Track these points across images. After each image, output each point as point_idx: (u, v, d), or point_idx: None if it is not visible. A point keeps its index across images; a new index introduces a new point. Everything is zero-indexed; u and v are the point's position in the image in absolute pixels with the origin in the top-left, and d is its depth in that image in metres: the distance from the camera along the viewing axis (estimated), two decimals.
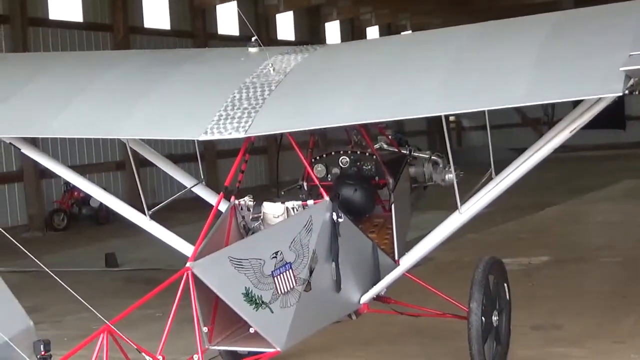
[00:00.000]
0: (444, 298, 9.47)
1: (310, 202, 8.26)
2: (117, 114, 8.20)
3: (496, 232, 19.28)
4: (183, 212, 18.68)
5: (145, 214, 9.07)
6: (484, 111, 8.36)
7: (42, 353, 5.87)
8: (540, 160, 8.15)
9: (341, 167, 9.50)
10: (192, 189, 9.52)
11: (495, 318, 9.04)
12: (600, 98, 7.42)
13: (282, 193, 9.39)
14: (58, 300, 14.48)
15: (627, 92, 7.14)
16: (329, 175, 9.52)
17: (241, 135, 7.47)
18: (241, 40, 32.15)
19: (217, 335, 7.86)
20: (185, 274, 7.30)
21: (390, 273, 8.81)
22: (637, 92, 7.11)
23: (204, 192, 9.52)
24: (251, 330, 7.66)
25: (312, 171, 8.80)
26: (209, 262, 7.40)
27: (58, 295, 15.06)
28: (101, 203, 24.18)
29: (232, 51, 9.42)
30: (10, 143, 9.14)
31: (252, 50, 8.78)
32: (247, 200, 8.44)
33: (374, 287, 8.77)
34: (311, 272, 7.94)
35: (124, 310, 7.24)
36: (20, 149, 9.26)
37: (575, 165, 35.45)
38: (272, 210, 8.34)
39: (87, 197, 24.09)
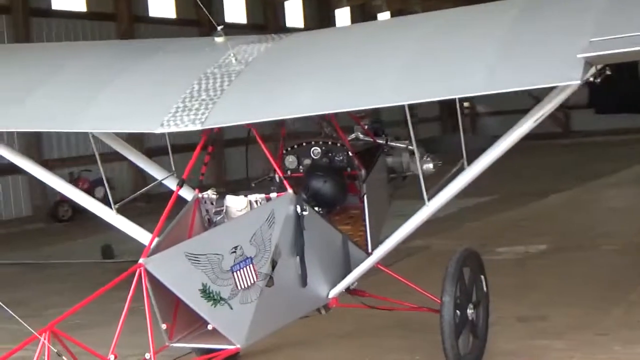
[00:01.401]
0: (418, 291, 9.26)
1: (273, 195, 8.07)
2: (77, 107, 8.04)
3: (497, 220, 19.04)
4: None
5: (111, 208, 8.91)
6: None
7: None
8: (507, 149, 7.93)
9: (313, 158, 9.29)
10: (164, 183, 9.35)
11: (470, 311, 8.84)
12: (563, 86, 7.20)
13: (253, 185, 9.20)
14: (45, 293, 14.43)
15: (591, 79, 6.92)
16: (300, 167, 9.32)
17: (197, 127, 7.30)
18: (248, 29, 31.98)
19: (179, 332, 7.69)
20: (137, 271, 7.15)
21: (359, 265, 8.62)
22: (597, 80, 6.87)
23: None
24: (209, 327, 7.49)
25: (275, 162, 8.55)
26: (163, 258, 7.24)
27: (47, 288, 15.08)
28: (105, 193, 23.67)
29: (198, 41, 9.24)
30: None
31: (218, 40, 8.56)
32: (211, 194, 8.27)
33: (343, 280, 8.58)
34: (274, 266, 7.75)
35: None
36: None
37: (587, 151, 35.08)
38: (235, 203, 8.16)
39: (91, 188, 23.96)
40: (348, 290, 8.92)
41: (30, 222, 24.27)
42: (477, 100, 43.99)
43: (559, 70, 6.47)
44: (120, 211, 8.93)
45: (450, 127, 41.54)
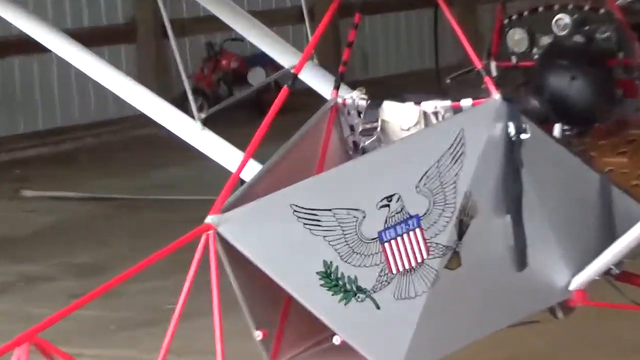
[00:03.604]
0: None
1: (466, 102, 4.65)
2: None
3: None
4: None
5: (195, 120, 5.32)
6: None
7: None
8: None
9: (556, 34, 5.94)
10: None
11: None
12: None
13: (448, 81, 6.08)
14: None
15: None
16: (534, 49, 6.02)
17: None
18: None
19: (289, 348, 4.47)
20: (204, 236, 3.97)
21: (630, 231, 4.95)
22: None
23: (311, 77, 5.70)
24: (335, 340, 4.17)
25: (468, 44, 5.01)
26: (249, 216, 4.07)
27: None
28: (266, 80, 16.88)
29: None
30: None
31: None
32: (358, 97, 4.88)
33: (598, 258, 4.93)
34: (462, 233, 4.43)
35: None
36: None
37: None
38: (398, 116, 4.76)
39: (243, 69, 17.37)
40: (609, 273, 5.25)
41: None
42: None
43: None
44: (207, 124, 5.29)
45: None
